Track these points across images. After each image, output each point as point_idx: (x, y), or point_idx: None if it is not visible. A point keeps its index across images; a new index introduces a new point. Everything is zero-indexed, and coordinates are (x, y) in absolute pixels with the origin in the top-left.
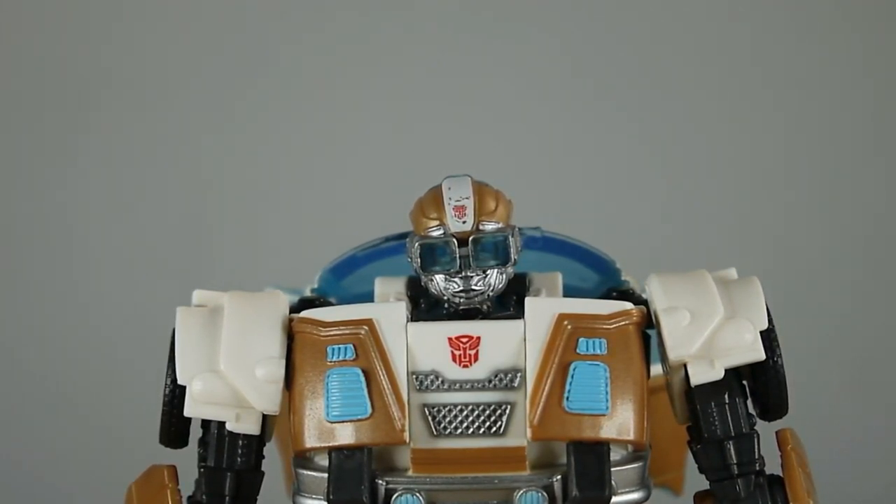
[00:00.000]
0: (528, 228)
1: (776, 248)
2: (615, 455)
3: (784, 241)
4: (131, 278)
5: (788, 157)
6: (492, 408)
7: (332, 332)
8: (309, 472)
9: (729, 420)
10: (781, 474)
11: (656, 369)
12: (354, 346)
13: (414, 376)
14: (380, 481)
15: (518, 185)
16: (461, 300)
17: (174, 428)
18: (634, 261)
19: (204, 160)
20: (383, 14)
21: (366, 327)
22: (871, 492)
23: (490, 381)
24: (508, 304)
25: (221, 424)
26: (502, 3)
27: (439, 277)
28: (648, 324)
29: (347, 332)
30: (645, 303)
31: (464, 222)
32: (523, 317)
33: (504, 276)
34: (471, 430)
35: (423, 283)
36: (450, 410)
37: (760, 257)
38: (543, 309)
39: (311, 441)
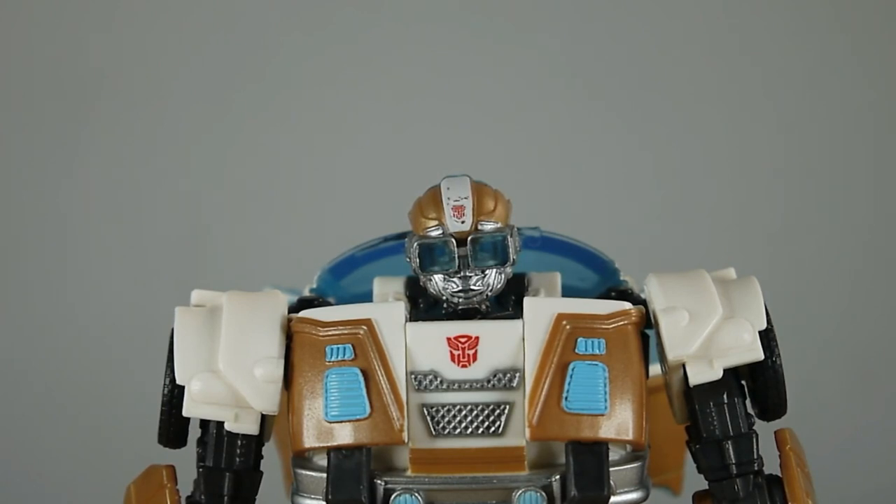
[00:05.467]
0: (527, 228)
1: (775, 247)
2: (614, 455)
3: (783, 240)
4: (130, 278)
5: (788, 157)
6: (490, 408)
7: (330, 332)
8: (308, 472)
9: (728, 420)
10: (780, 474)
11: (655, 369)
12: (353, 345)
13: (413, 376)
14: (378, 481)
15: (517, 185)
16: (460, 300)
17: (173, 428)
18: (633, 261)
19: (202, 159)
20: (381, 14)
21: (364, 327)
22: (870, 492)
23: (489, 381)
24: (507, 303)
25: (220, 424)
26: (500, 3)
27: (438, 277)
28: (647, 324)
29: (346, 331)
30: (644, 303)
31: (462, 222)
32: (522, 317)
33: (503, 275)
34: (469, 430)
35: (421, 283)
36: (448, 410)
37: (760, 257)
38: (542, 309)
39: (309, 441)
